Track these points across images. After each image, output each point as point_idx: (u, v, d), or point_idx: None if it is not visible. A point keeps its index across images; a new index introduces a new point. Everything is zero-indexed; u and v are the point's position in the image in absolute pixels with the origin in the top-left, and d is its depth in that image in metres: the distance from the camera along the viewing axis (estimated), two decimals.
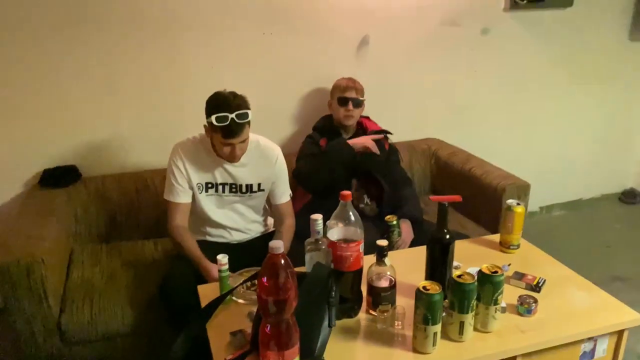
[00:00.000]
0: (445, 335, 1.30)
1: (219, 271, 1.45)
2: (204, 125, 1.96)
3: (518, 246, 1.73)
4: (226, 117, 1.82)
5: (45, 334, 1.94)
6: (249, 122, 1.90)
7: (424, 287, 1.23)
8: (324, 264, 1.28)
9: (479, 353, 1.27)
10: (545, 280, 1.53)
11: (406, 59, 2.94)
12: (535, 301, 1.41)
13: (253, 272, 1.54)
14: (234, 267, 1.58)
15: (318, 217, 1.32)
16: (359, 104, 2.46)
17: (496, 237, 1.80)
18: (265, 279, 1.07)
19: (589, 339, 1.40)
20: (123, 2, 2.37)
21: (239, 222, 2.15)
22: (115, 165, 2.56)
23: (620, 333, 1.43)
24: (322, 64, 2.76)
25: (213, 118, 1.83)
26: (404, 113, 2.99)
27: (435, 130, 3.10)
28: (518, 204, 1.70)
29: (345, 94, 2.44)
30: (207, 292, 1.51)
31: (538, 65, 3.27)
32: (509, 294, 1.45)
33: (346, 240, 1.32)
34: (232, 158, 1.96)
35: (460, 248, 1.56)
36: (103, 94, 2.47)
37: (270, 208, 2.21)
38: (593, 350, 1.42)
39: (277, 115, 2.77)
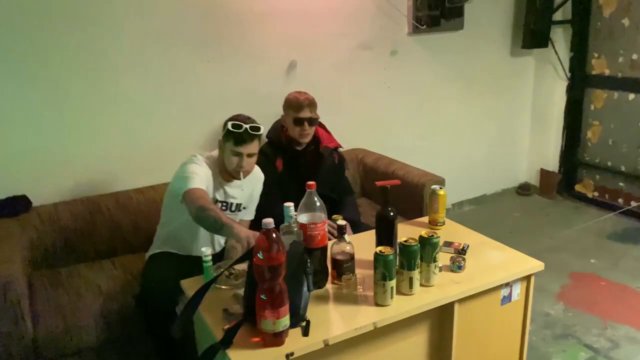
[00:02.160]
0: (398, 291, 1.61)
1: (203, 261, 1.66)
2: (218, 141, 2.19)
3: (444, 223, 2.10)
4: (241, 125, 2.09)
5: (22, 352, 2.01)
6: (259, 138, 2.15)
7: (380, 251, 1.54)
8: (299, 241, 1.56)
9: (426, 301, 1.59)
10: (468, 245, 1.90)
11: (330, 78, 3.30)
12: (464, 259, 1.76)
13: (228, 265, 1.76)
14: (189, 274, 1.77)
15: (290, 204, 1.59)
16: (314, 122, 2.55)
17: (425, 219, 2.16)
18: (260, 250, 1.33)
19: (506, 284, 1.77)
20: (59, 32, 2.51)
21: (212, 237, 2.31)
22: (66, 192, 2.65)
23: (528, 278, 1.82)
24: (256, 86, 3.04)
25: (229, 124, 2.09)
26: (331, 127, 3.33)
27: (360, 140, 3.46)
28: (440, 188, 2.07)
29: (300, 114, 2.50)
30: (190, 285, 1.71)
31: (439, 80, 3.78)
32: (442, 258, 1.79)
33: (313, 222, 1.60)
34: (239, 168, 2.12)
35: (399, 229, 1.89)
36: (48, 122, 2.58)
37: None
38: (510, 294, 1.80)
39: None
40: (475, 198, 4.31)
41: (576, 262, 3.33)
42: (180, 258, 2.23)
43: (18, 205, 2.52)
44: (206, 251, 1.66)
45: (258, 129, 2.13)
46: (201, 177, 2.08)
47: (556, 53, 4.04)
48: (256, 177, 2.36)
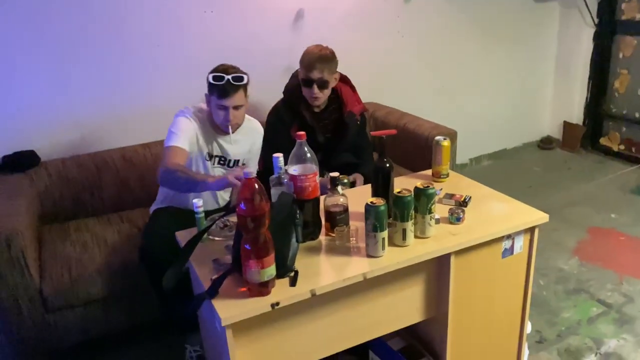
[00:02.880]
0: (392, 243, 1.57)
1: (196, 213, 1.65)
2: (205, 94, 2.10)
3: (447, 175, 2.03)
4: (222, 77, 1.99)
5: (29, 303, 2.07)
6: (244, 88, 2.04)
7: (371, 202, 1.50)
8: (288, 193, 1.52)
9: (420, 252, 1.55)
10: (470, 197, 1.84)
11: (339, 30, 3.19)
12: (463, 211, 1.70)
13: (219, 216, 1.74)
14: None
15: (279, 155, 1.55)
16: (324, 85, 2.26)
17: (429, 171, 2.09)
18: (243, 200, 1.30)
19: (508, 236, 1.71)
20: None
21: (215, 192, 2.29)
22: (73, 147, 2.67)
23: (532, 230, 1.75)
24: (262, 39, 2.96)
25: (210, 76, 1.99)
26: None
27: (372, 94, 3.37)
28: (444, 139, 1.99)
29: (310, 75, 2.23)
30: (186, 236, 1.70)
31: (457, 28, 3.62)
32: (442, 211, 1.74)
33: (304, 174, 1.56)
34: (226, 122, 2.05)
35: (400, 182, 1.84)
36: (55, 78, 2.57)
37: None
38: (512, 247, 1.74)
39: None
40: (495, 152, 4.19)
41: (596, 217, 3.23)
42: (182, 212, 2.23)
43: (26, 160, 2.55)
44: (198, 202, 1.64)
45: (241, 78, 2.02)
46: (185, 134, 2.03)
47: None
48: (255, 130, 2.30)
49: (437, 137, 2.00)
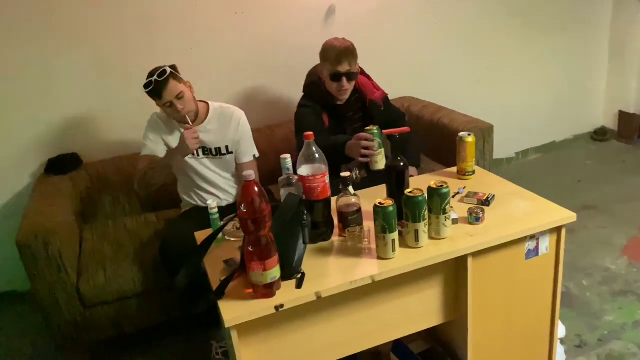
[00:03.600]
0: (404, 244, 1.53)
1: (210, 214, 1.67)
2: None
3: (473, 172, 1.95)
4: (150, 82, 2.10)
5: (66, 299, 2.17)
6: (173, 77, 2.12)
7: (380, 203, 1.46)
8: (295, 194, 1.51)
9: (433, 254, 1.50)
10: (494, 196, 1.76)
11: (371, 24, 3.13)
12: (483, 210, 1.63)
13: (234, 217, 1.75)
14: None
15: (287, 156, 1.54)
16: (353, 77, 2.29)
17: (454, 169, 2.02)
18: (243, 203, 1.30)
19: (531, 237, 1.62)
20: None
21: (214, 184, 2.35)
22: (113, 149, 2.78)
23: (558, 230, 1.65)
24: (292, 37, 2.96)
25: (143, 88, 2.12)
26: (376, 76, 3.18)
27: (407, 88, 3.29)
28: (469, 134, 1.91)
29: (338, 69, 2.24)
30: (203, 237, 1.73)
31: (497, 15, 3.47)
32: (462, 210, 1.68)
33: (313, 174, 1.55)
34: (177, 114, 2.15)
35: (424, 179, 1.79)
36: (94, 83, 2.69)
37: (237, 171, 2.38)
38: (537, 248, 1.65)
39: (260, 90, 2.98)
40: (543, 146, 4.00)
41: None
42: (204, 211, 2.29)
43: (69, 162, 2.68)
44: (212, 204, 1.66)
45: (164, 72, 2.09)
46: (150, 141, 2.25)
47: None
48: (229, 116, 2.31)
49: (461, 133, 1.93)
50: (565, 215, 1.64)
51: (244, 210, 1.30)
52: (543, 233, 1.64)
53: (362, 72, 2.50)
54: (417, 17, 3.25)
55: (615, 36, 3.87)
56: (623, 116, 3.98)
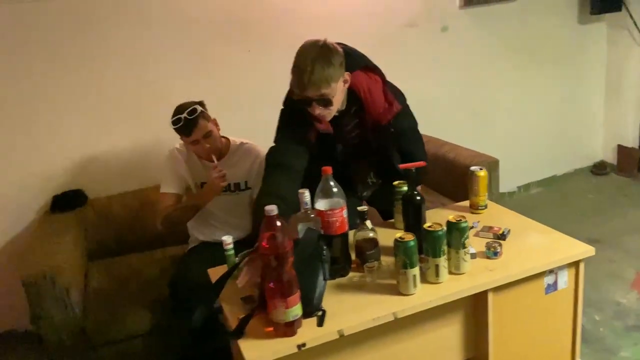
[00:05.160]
0: (424, 280, 1.51)
1: (225, 250, 1.65)
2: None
3: (485, 207, 1.95)
4: (179, 119, 2.09)
5: (72, 339, 2.11)
6: (202, 116, 2.12)
7: (400, 237, 1.45)
8: (314, 228, 1.50)
9: (454, 290, 1.48)
10: (509, 230, 1.75)
11: (374, 59, 3.17)
12: (501, 245, 1.62)
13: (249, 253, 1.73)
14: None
15: (305, 190, 1.54)
16: (327, 102, 1.68)
17: (466, 203, 2.02)
18: (264, 238, 1.29)
19: (550, 271, 1.61)
20: (108, 33, 2.62)
21: (226, 220, 2.34)
22: (118, 185, 2.76)
23: (576, 264, 1.64)
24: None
25: (171, 123, 2.11)
26: None
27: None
28: (480, 169, 1.92)
29: (305, 94, 1.67)
30: (218, 273, 1.70)
31: (496, 54, 3.54)
32: (479, 245, 1.67)
33: (331, 209, 1.54)
34: (204, 153, 2.17)
35: (436, 214, 1.78)
36: (98, 119, 2.69)
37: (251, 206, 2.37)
38: (555, 282, 1.64)
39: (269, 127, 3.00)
40: (544, 179, 4.02)
41: None
42: (215, 247, 2.26)
43: (74, 199, 2.66)
44: (227, 239, 1.64)
45: (194, 110, 2.09)
46: (170, 178, 2.25)
47: (631, 17, 3.65)
48: (249, 152, 2.32)
49: (473, 167, 1.94)
50: (583, 250, 1.63)
51: (266, 246, 1.29)
52: (561, 267, 1.63)
53: (369, 70, 1.91)
54: (417, 55, 3.32)
55: (611, 71, 3.95)
56: (622, 150, 4.03)
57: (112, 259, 2.60)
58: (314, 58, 1.63)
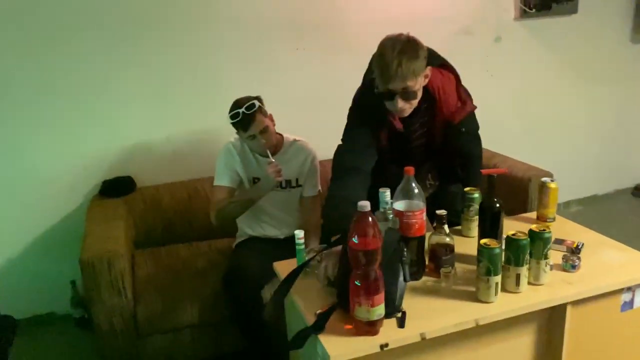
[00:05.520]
0: (503, 288, 1.48)
1: (296, 244, 1.63)
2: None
3: (554, 219, 1.91)
4: (237, 113, 2.10)
5: (123, 325, 2.11)
6: (259, 111, 2.12)
7: (485, 244, 1.42)
8: (395, 229, 1.47)
9: (535, 300, 1.45)
10: (583, 244, 1.72)
11: None
12: (579, 258, 1.59)
13: (321, 249, 1.71)
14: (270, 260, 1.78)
15: (386, 190, 1.52)
16: (411, 95, 1.68)
17: (532, 214, 1.98)
18: (356, 234, 1.26)
19: (628, 289, 1.57)
20: (166, 27, 2.63)
21: (276, 216, 2.35)
22: (168, 175, 2.76)
23: None
24: (350, 77, 2.98)
25: (228, 117, 2.12)
26: None
27: None
28: (552, 180, 1.89)
29: (390, 87, 1.65)
30: (283, 267, 1.69)
31: (548, 68, 3.51)
32: (553, 256, 1.62)
33: (411, 210, 1.51)
34: (259, 148, 2.17)
35: (506, 225, 1.75)
36: (153, 109, 2.71)
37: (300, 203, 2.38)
38: (632, 300, 1.60)
39: (318, 127, 2.99)
40: (585, 198, 3.97)
41: None
42: (264, 242, 2.26)
43: (124, 185, 2.66)
44: (299, 234, 1.63)
45: (252, 105, 2.09)
46: (225, 171, 2.24)
47: None
48: (301, 149, 2.33)
49: (544, 179, 1.91)
50: None
51: (356, 242, 1.27)
52: (639, 285, 1.58)
53: (451, 74, 1.90)
54: (472, 65, 3.27)
55: None
56: None
57: (158, 248, 2.59)
58: (400, 50, 1.63)
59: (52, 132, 2.57)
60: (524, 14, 3.28)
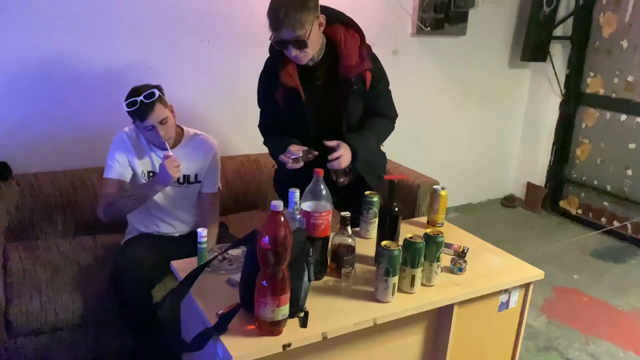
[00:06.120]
0: (399, 289, 1.56)
1: (199, 243, 1.58)
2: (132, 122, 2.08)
3: (442, 224, 2.05)
4: (135, 101, 1.95)
5: None
6: (159, 101, 1.99)
7: (386, 246, 1.49)
8: (302, 229, 1.49)
9: (427, 300, 1.55)
10: (468, 248, 1.86)
11: None
12: (466, 262, 1.72)
13: (224, 248, 1.69)
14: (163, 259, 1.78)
15: (296, 190, 1.53)
16: (302, 44, 1.72)
17: (423, 219, 2.11)
18: (266, 234, 1.26)
19: (505, 291, 1.73)
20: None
21: (171, 213, 2.24)
22: (50, 163, 2.54)
23: (527, 286, 1.79)
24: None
25: (124, 105, 1.97)
26: None
27: None
28: (443, 188, 2.03)
29: (281, 36, 1.71)
30: (181, 266, 1.63)
31: (438, 82, 3.77)
32: (442, 259, 1.75)
33: (318, 211, 1.54)
34: (156, 141, 2.05)
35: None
36: (33, 85, 2.47)
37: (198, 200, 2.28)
38: (508, 301, 1.77)
39: (222, 119, 2.93)
40: (461, 206, 4.30)
41: (560, 276, 3.34)
42: (156, 238, 2.17)
43: None
44: (202, 232, 1.58)
45: (152, 94, 1.96)
46: (114, 163, 2.09)
47: (553, 68, 4.05)
48: (203, 144, 2.22)
49: (436, 186, 2.04)
50: (534, 273, 1.78)
51: (267, 242, 1.26)
52: (515, 288, 1.76)
53: (355, 30, 1.92)
54: None
55: (529, 115, 4.35)
56: (530, 187, 4.42)
57: (36, 241, 2.37)
58: (288, 1, 1.68)
59: None
60: (420, 31, 3.48)
